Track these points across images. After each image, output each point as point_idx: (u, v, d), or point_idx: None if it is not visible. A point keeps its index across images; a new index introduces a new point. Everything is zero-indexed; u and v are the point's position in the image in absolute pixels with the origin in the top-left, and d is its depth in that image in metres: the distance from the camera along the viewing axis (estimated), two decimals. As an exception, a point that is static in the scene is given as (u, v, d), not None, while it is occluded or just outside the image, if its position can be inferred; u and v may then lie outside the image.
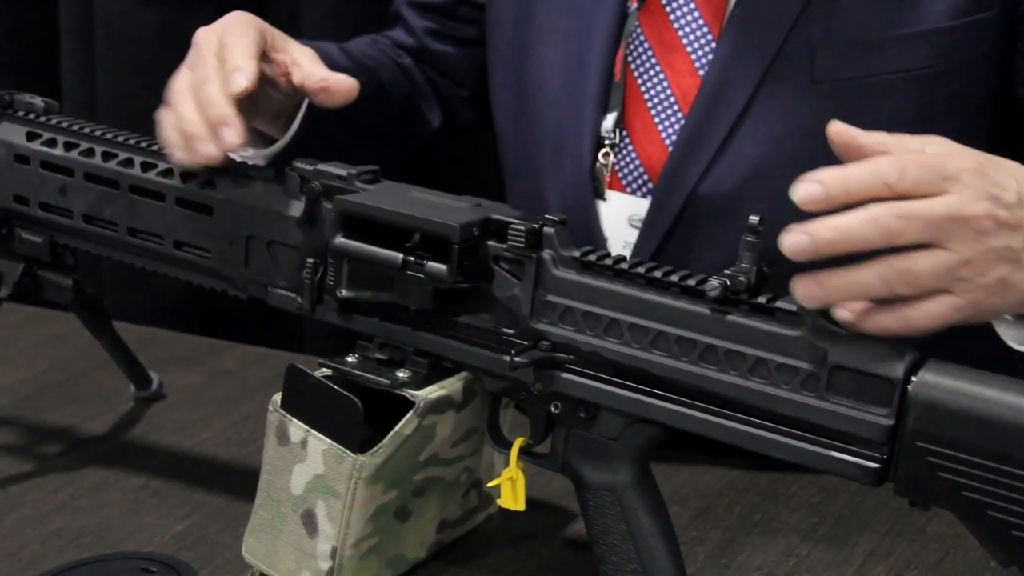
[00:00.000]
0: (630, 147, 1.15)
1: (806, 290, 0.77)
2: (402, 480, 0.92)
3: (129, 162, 1.03)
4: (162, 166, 1.01)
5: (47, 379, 1.33)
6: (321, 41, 1.32)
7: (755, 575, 1.00)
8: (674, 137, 1.13)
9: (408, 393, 0.90)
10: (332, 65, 1.19)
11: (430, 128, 1.37)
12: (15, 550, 1.01)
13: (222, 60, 0.97)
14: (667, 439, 0.86)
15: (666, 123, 1.14)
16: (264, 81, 1.02)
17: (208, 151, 0.94)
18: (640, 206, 1.15)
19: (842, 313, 0.77)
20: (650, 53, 1.15)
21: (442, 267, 0.86)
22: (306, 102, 1.13)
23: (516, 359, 0.85)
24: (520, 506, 0.91)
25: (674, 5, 1.14)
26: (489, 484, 0.96)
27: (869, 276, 0.76)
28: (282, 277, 0.97)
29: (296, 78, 1.01)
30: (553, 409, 0.88)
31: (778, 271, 0.81)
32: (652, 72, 1.14)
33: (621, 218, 1.16)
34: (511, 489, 0.91)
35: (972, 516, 0.75)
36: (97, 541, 1.02)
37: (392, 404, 0.90)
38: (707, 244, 1.12)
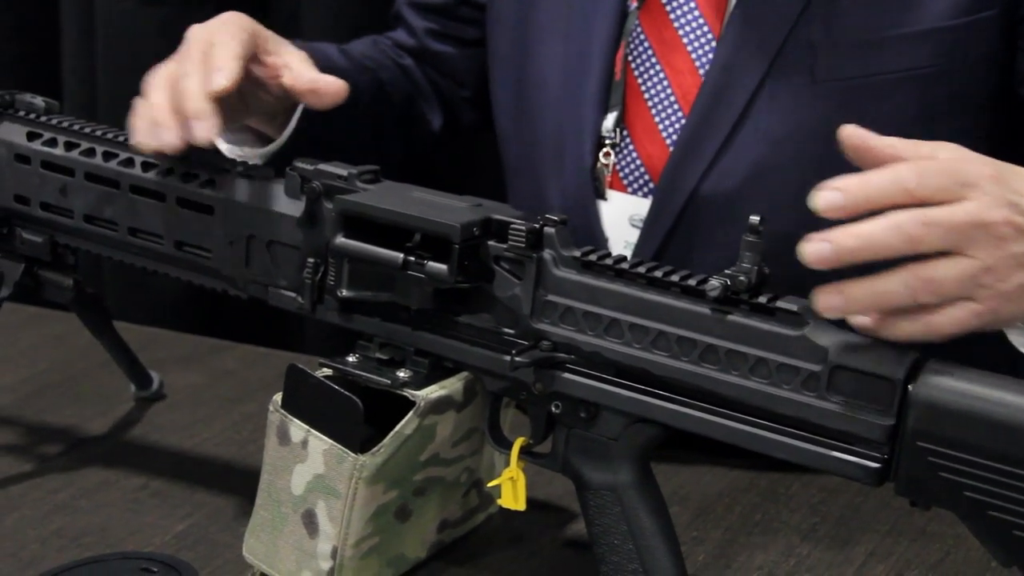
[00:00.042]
0: (631, 147, 1.15)
1: (828, 301, 0.76)
2: (403, 480, 0.92)
3: (130, 162, 1.03)
4: (163, 166, 1.01)
5: (48, 379, 1.33)
6: (320, 43, 1.32)
7: (756, 575, 1.00)
8: (675, 137, 1.13)
9: (409, 393, 0.90)
10: (330, 66, 1.20)
11: (431, 129, 1.37)
12: (15, 550, 1.01)
13: (207, 57, 0.97)
14: (668, 439, 0.86)
15: (666, 122, 1.14)
16: (254, 83, 1.03)
17: (169, 139, 0.95)
18: (641, 206, 1.15)
19: (861, 319, 0.77)
20: (650, 52, 1.15)
21: (443, 267, 0.86)
22: (301, 103, 1.13)
23: (517, 359, 0.85)
24: (521, 506, 0.91)
25: (674, 4, 1.14)
26: (490, 484, 0.96)
27: (893, 285, 0.75)
28: (283, 277, 0.97)
29: (286, 81, 1.02)
30: (554, 409, 0.88)
31: (779, 271, 0.81)
32: (652, 71, 1.14)
33: (622, 218, 1.16)
34: (512, 489, 0.91)
35: (973, 516, 0.75)
36: (98, 541, 1.02)
37: (393, 404, 0.90)
38: (708, 244, 1.12)
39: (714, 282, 0.79)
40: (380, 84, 1.31)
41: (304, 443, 0.91)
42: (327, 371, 0.93)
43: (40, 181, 1.07)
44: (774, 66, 1.09)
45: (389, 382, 0.90)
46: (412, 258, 0.88)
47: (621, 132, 1.16)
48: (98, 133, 1.05)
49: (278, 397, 0.93)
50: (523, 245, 0.86)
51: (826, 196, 0.76)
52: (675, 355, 0.82)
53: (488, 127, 1.33)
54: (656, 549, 0.85)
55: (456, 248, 0.85)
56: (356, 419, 0.89)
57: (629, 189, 1.16)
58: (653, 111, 1.14)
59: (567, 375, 0.86)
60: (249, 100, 1.07)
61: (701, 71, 1.12)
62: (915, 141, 0.80)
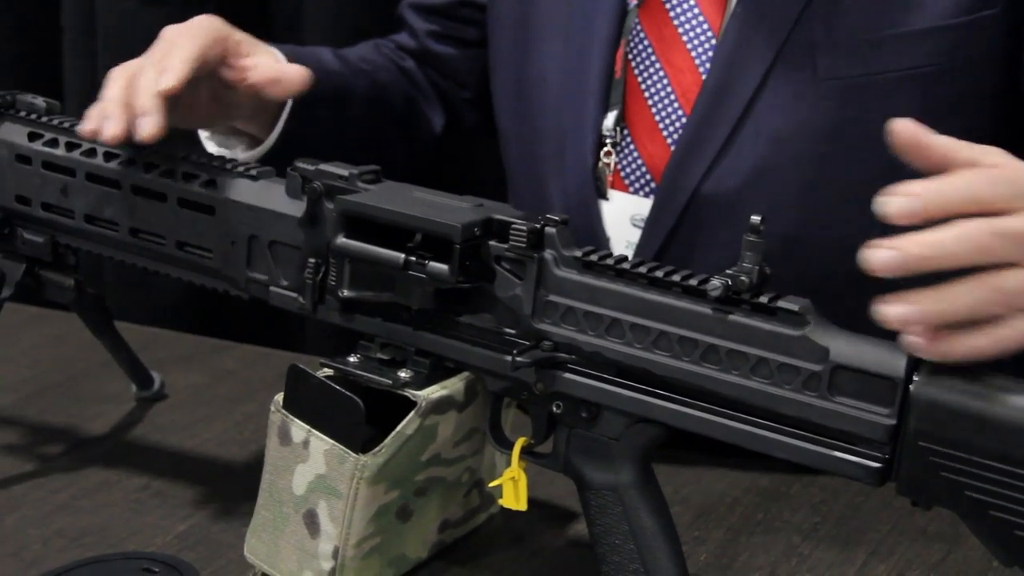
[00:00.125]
0: (632, 146, 1.15)
1: (893, 311, 0.74)
2: (404, 480, 0.92)
3: (131, 162, 1.03)
4: (164, 166, 1.02)
5: (49, 379, 1.33)
6: (315, 46, 1.33)
7: (757, 575, 1.00)
8: (676, 136, 1.13)
9: (410, 393, 0.90)
10: (322, 68, 1.22)
11: (433, 130, 1.38)
12: (17, 550, 1.01)
13: (163, 58, 1.00)
14: (669, 439, 0.86)
15: (667, 121, 1.14)
16: (224, 86, 1.06)
17: (110, 129, 0.97)
18: (643, 206, 1.15)
19: (913, 340, 0.74)
20: (650, 50, 1.14)
21: (444, 267, 0.86)
22: (289, 103, 1.14)
23: (518, 359, 0.85)
24: (522, 506, 0.91)
25: (674, 2, 1.14)
26: (491, 484, 0.96)
27: (962, 295, 0.73)
28: (284, 277, 0.97)
29: (249, 78, 1.05)
30: (555, 409, 0.88)
31: (780, 270, 0.81)
32: (652, 70, 1.14)
33: (624, 218, 1.16)
34: (513, 489, 0.91)
35: (974, 516, 0.75)
36: (99, 541, 1.02)
37: (394, 404, 0.90)
38: (710, 243, 1.12)
39: (715, 282, 0.79)
40: (378, 86, 1.32)
41: (305, 443, 0.91)
42: (328, 371, 0.93)
43: (41, 181, 1.07)
44: (775, 65, 1.09)
45: (390, 382, 0.90)
46: (413, 258, 0.88)
47: (622, 131, 1.16)
48: (99, 133, 1.05)
49: (279, 397, 0.93)
50: (524, 245, 0.86)
51: (900, 203, 0.73)
52: (676, 355, 0.82)
53: (491, 129, 1.33)
54: (657, 549, 0.85)
55: (457, 248, 0.85)
56: (357, 419, 0.89)
57: (630, 189, 1.16)
58: (653, 110, 1.14)
59: (568, 375, 0.86)
60: (225, 103, 1.08)
61: (701, 69, 1.12)
62: (967, 143, 0.78)
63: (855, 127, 1.09)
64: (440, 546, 1.00)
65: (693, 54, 1.13)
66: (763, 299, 0.79)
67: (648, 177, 1.15)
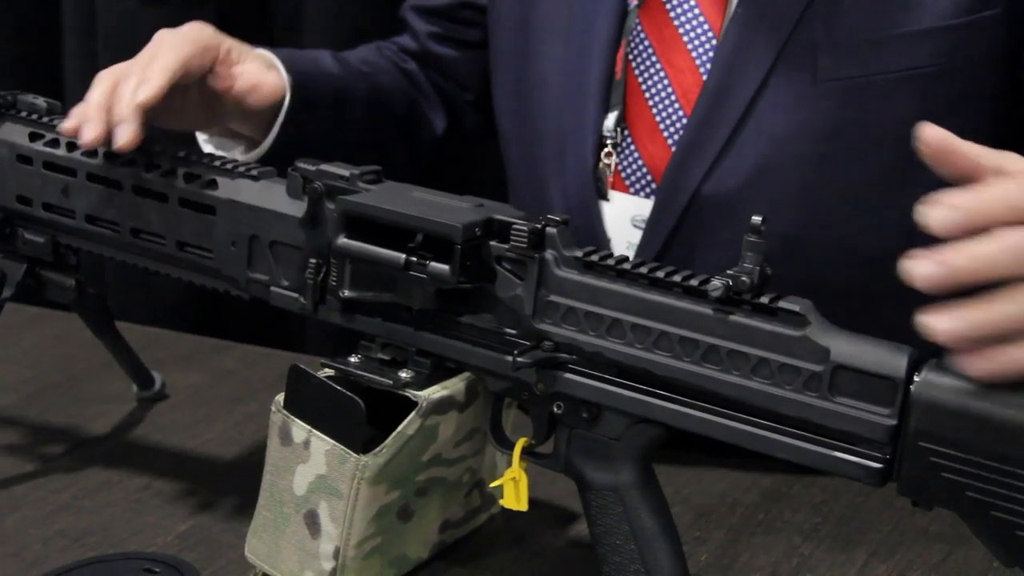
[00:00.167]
0: (632, 147, 1.15)
1: (942, 325, 0.72)
2: (405, 480, 0.92)
3: (132, 162, 1.03)
4: (165, 167, 1.02)
5: (50, 379, 1.33)
6: (315, 50, 1.33)
7: (758, 575, 1.00)
8: (676, 137, 1.13)
9: (411, 393, 0.90)
10: (321, 72, 1.24)
11: (434, 132, 1.38)
12: (18, 550, 1.01)
13: (147, 66, 1.02)
14: (670, 439, 0.86)
15: (668, 122, 1.14)
16: (210, 95, 1.08)
17: (90, 135, 1.00)
18: (643, 206, 1.15)
19: (971, 362, 0.72)
20: (651, 51, 1.14)
21: (445, 267, 0.86)
22: (285, 107, 1.15)
23: (519, 359, 0.85)
24: (523, 506, 0.91)
25: (675, 2, 1.14)
26: (492, 484, 0.96)
27: (1011, 307, 0.71)
28: (285, 277, 0.97)
29: (234, 88, 1.08)
30: (556, 409, 0.88)
31: (780, 271, 0.81)
32: (653, 70, 1.14)
33: (624, 219, 1.16)
34: (514, 489, 0.91)
35: (975, 516, 0.75)
36: (100, 541, 1.02)
37: (395, 404, 0.90)
38: (711, 244, 1.12)
39: (716, 282, 0.79)
40: (378, 88, 1.32)
41: (306, 443, 0.91)
42: (329, 371, 0.93)
43: (42, 182, 1.07)
44: (776, 65, 1.09)
45: (391, 382, 0.90)
46: (414, 258, 0.88)
47: (622, 132, 1.16)
48: (100, 133, 1.05)
49: (280, 397, 0.93)
50: (525, 245, 0.86)
51: (941, 215, 0.72)
52: (677, 355, 0.82)
53: (492, 131, 1.33)
54: (658, 549, 0.85)
55: (458, 248, 0.85)
56: (358, 419, 0.89)
57: (631, 190, 1.16)
58: (654, 110, 1.14)
59: (569, 375, 0.86)
60: (215, 108, 1.09)
61: (702, 70, 1.12)
62: (993, 151, 0.76)
63: (855, 127, 1.09)
64: (441, 546, 1.00)
65: (694, 55, 1.13)
66: (764, 299, 0.79)
67: (649, 178, 1.15)
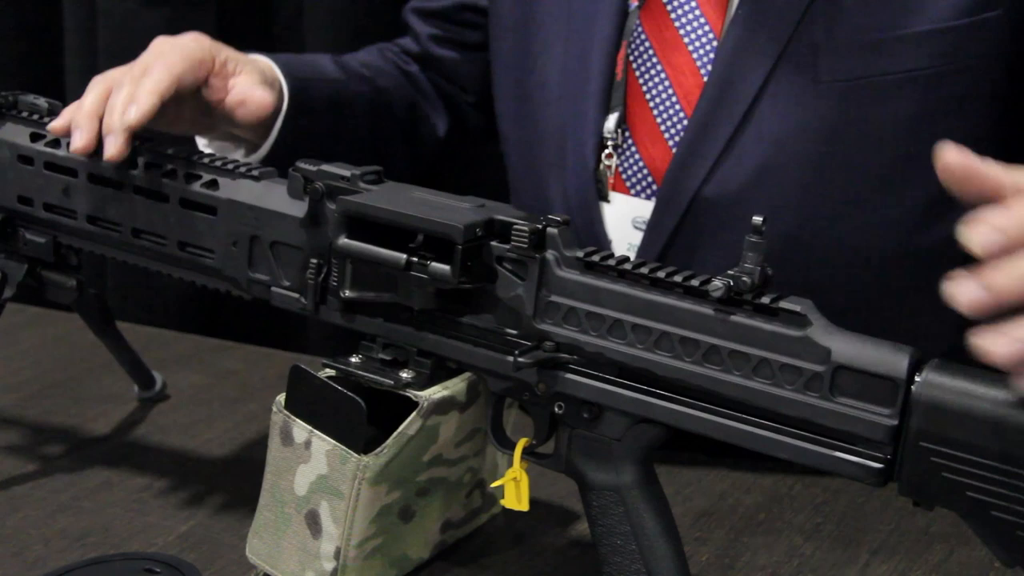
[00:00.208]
0: (633, 148, 1.15)
1: (996, 346, 0.70)
2: (406, 481, 0.92)
3: (132, 163, 1.03)
4: (166, 167, 1.02)
5: (50, 379, 1.33)
6: (315, 54, 1.34)
7: (759, 575, 1.00)
8: (677, 138, 1.13)
9: (412, 394, 0.90)
10: (321, 75, 1.24)
11: (436, 134, 1.38)
12: (19, 550, 1.01)
13: (140, 79, 1.02)
14: (670, 440, 0.86)
15: (668, 123, 1.14)
16: (203, 106, 1.09)
17: (80, 143, 1.01)
18: (644, 208, 1.15)
19: None
20: (651, 52, 1.14)
21: (445, 268, 0.86)
22: (283, 112, 1.16)
23: (520, 359, 0.85)
24: (524, 507, 0.91)
25: (675, 3, 1.14)
26: (493, 485, 0.96)
27: None
28: (286, 277, 0.97)
29: (226, 101, 1.09)
30: (557, 409, 0.88)
31: (781, 271, 0.81)
32: (653, 71, 1.14)
33: (625, 220, 1.16)
34: (515, 490, 0.91)
35: (976, 516, 0.75)
36: (101, 542, 1.02)
37: (396, 405, 0.90)
38: (712, 246, 1.12)
39: (717, 283, 0.79)
40: (379, 91, 1.32)
41: (307, 444, 0.91)
42: (330, 372, 0.93)
43: (43, 182, 1.07)
44: (777, 67, 1.09)
45: (392, 383, 0.90)
46: (415, 259, 0.88)
47: (623, 133, 1.16)
48: (101, 134, 1.05)
49: (281, 398, 0.93)
50: (526, 246, 0.86)
51: (984, 238, 0.71)
52: (678, 356, 0.82)
53: (494, 133, 1.33)
54: (659, 549, 0.85)
55: (459, 249, 0.85)
56: (359, 420, 0.89)
57: (632, 191, 1.16)
58: (655, 112, 1.14)
59: (570, 376, 0.86)
60: (210, 116, 1.09)
61: (703, 71, 1.12)
62: (1012, 169, 0.75)
63: (856, 128, 1.09)
64: (442, 546, 1.00)
65: (694, 56, 1.13)
66: (765, 300, 0.79)
67: (650, 179, 1.15)
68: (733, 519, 1.08)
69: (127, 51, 1.75)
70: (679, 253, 1.12)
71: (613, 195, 1.17)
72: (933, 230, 1.12)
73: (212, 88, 1.08)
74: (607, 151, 1.16)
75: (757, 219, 0.78)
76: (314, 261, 0.94)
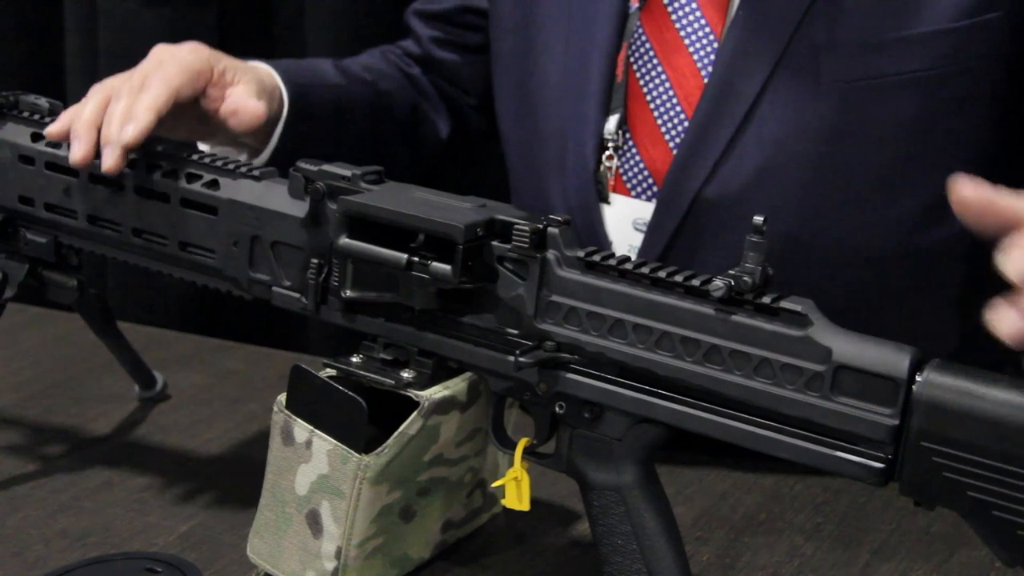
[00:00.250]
0: (634, 150, 1.15)
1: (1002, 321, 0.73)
2: (407, 480, 0.92)
3: (133, 163, 1.03)
4: (167, 167, 1.02)
5: (51, 379, 1.33)
6: (316, 59, 1.34)
7: (760, 575, 1.00)
8: (678, 140, 1.13)
9: (413, 393, 0.90)
10: (322, 80, 1.25)
11: (439, 136, 1.38)
12: (19, 550, 1.01)
13: (140, 90, 1.03)
14: (671, 439, 0.86)
15: (669, 125, 1.14)
16: (201, 117, 1.09)
17: (78, 154, 1.01)
18: (644, 209, 1.15)
19: None
20: (652, 53, 1.14)
21: (446, 267, 0.86)
22: (283, 118, 1.16)
23: (521, 359, 0.85)
24: (525, 506, 0.91)
25: (675, 5, 1.14)
26: (494, 484, 0.96)
27: None
28: (286, 277, 0.97)
29: (219, 111, 1.09)
30: (558, 409, 0.88)
31: (781, 272, 0.81)
32: (654, 73, 1.14)
33: (625, 222, 1.16)
34: (515, 489, 0.91)
35: (977, 516, 0.75)
36: (101, 541, 1.02)
37: (397, 404, 0.90)
38: (712, 247, 1.11)
39: (718, 282, 0.79)
40: (380, 94, 1.33)
41: (308, 443, 0.91)
42: (331, 371, 0.93)
43: (44, 182, 1.07)
44: (778, 68, 1.09)
45: (393, 382, 0.90)
46: (416, 259, 0.88)
47: (623, 135, 1.16)
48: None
49: (282, 397, 0.93)
50: (527, 245, 0.86)
51: (1021, 264, 0.73)
52: (679, 355, 0.82)
53: (496, 134, 1.33)
54: (660, 549, 0.85)
55: (460, 249, 0.85)
56: (360, 419, 0.89)
57: (632, 193, 1.16)
58: (655, 113, 1.14)
59: (571, 375, 0.86)
60: (210, 124, 1.10)
61: (703, 73, 1.12)
62: (1015, 194, 0.77)
63: (857, 129, 1.09)
64: (443, 546, 1.01)
65: (695, 57, 1.13)
66: (766, 299, 0.79)
67: (650, 181, 1.15)
68: (734, 519, 1.08)
69: (128, 51, 1.75)
70: (680, 254, 1.12)
71: (613, 197, 1.17)
72: (933, 231, 1.12)
73: (209, 98, 1.09)
74: (607, 152, 1.16)
75: (758, 219, 0.78)
76: (315, 261, 0.94)
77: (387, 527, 0.93)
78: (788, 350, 0.78)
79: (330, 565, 0.91)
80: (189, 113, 1.08)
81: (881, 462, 0.76)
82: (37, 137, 1.08)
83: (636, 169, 1.15)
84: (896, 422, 0.75)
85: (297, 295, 0.96)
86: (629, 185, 1.16)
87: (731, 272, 0.79)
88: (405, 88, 1.36)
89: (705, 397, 0.81)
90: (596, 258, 0.85)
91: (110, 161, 1.00)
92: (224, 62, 1.10)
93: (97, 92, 1.04)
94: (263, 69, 1.18)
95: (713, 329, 0.80)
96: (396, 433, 0.89)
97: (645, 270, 0.83)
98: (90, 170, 1.05)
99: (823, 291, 0.86)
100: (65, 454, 1.17)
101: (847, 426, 0.77)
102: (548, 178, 1.21)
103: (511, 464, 0.91)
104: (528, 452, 0.90)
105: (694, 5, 1.13)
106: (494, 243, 0.87)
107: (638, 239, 1.15)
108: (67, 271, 1.13)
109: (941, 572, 1.00)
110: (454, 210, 0.88)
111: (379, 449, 0.89)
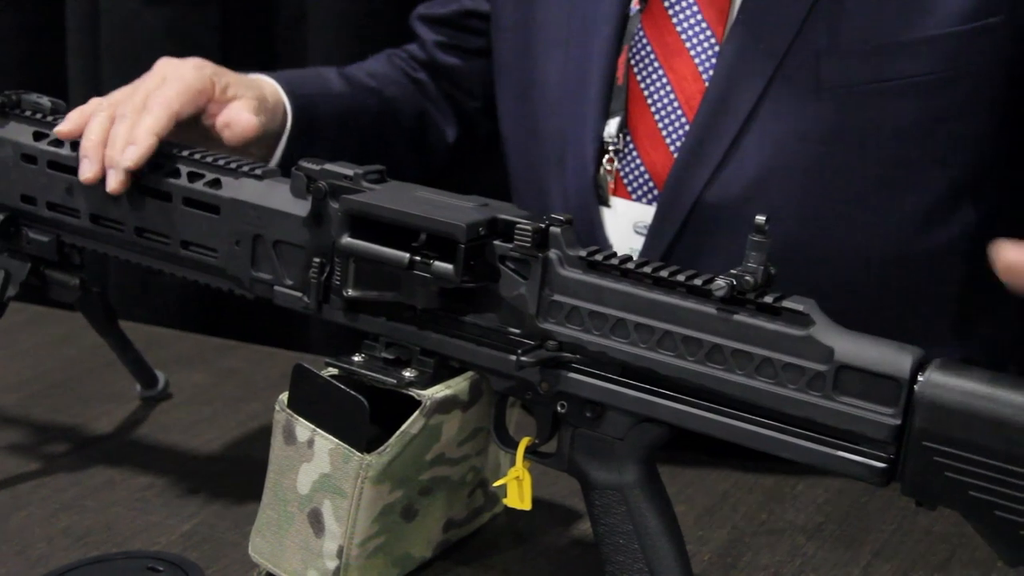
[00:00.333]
0: (634, 153, 1.15)
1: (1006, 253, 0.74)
2: (408, 479, 0.92)
3: (135, 162, 1.03)
4: (168, 166, 1.02)
5: (53, 378, 1.34)
6: (322, 68, 1.34)
7: (761, 574, 1.00)
8: (679, 143, 1.13)
9: (414, 393, 0.90)
10: (326, 90, 1.26)
11: (446, 141, 1.38)
12: (22, 549, 1.01)
13: (142, 110, 1.04)
14: (673, 439, 0.86)
15: (670, 128, 1.14)
16: (202, 133, 1.10)
17: (88, 173, 1.02)
18: (645, 213, 1.14)
19: None
20: (652, 56, 1.14)
21: (448, 267, 0.86)
22: (287, 130, 1.16)
23: (522, 359, 0.85)
24: (526, 505, 0.91)
25: (676, 7, 1.14)
26: (495, 483, 0.96)
27: None
28: (288, 276, 0.97)
29: (215, 125, 1.09)
30: (559, 408, 0.88)
31: (782, 273, 0.81)
32: (655, 76, 1.14)
33: (626, 225, 1.16)
34: (517, 488, 0.91)
35: (979, 516, 0.75)
36: (104, 540, 1.03)
37: (398, 404, 0.90)
38: (713, 251, 1.11)
39: (720, 282, 0.79)
40: (386, 101, 1.33)
41: (310, 442, 0.91)
42: (333, 370, 0.93)
43: (46, 181, 1.07)
44: (778, 72, 1.09)
45: (395, 381, 0.91)
46: (418, 258, 0.88)
47: (624, 138, 1.16)
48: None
49: (284, 396, 0.93)
50: (529, 245, 0.86)
51: None
52: (681, 355, 0.82)
53: (499, 137, 1.33)
54: (661, 548, 0.85)
55: (462, 248, 0.86)
56: (362, 419, 0.89)
57: (633, 196, 1.16)
58: (656, 116, 1.14)
59: (573, 375, 0.86)
60: (213, 137, 1.10)
61: (704, 76, 1.12)
62: None
63: (857, 133, 1.09)
64: (444, 545, 1.01)
65: (696, 60, 1.13)
66: (768, 299, 0.79)
67: (651, 184, 1.15)
68: (735, 518, 1.08)
69: (128, 51, 1.76)
70: (680, 257, 1.12)
71: (614, 200, 1.17)
72: (934, 233, 1.12)
73: (209, 114, 1.09)
74: (608, 155, 1.16)
75: (760, 218, 0.78)
76: (317, 260, 0.94)
77: (389, 526, 0.93)
78: (790, 350, 0.78)
79: (332, 564, 0.91)
80: (190, 128, 1.09)
81: (883, 462, 0.76)
82: (39, 136, 1.08)
83: (636, 172, 1.15)
84: (898, 422, 0.75)
85: (299, 294, 0.96)
86: (630, 188, 1.16)
87: (733, 272, 0.79)
88: (412, 94, 1.36)
89: (707, 397, 0.81)
90: (598, 257, 0.85)
91: (113, 183, 1.01)
92: (227, 78, 1.10)
93: (102, 110, 1.05)
94: (267, 84, 1.18)
95: (715, 329, 0.80)
96: (398, 432, 0.89)
97: (647, 269, 0.83)
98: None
99: (823, 292, 0.86)
100: (67, 453, 1.17)
101: (849, 426, 0.77)
102: (548, 180, 1.21)
103: (513, 463, 0.91)
104: (530, 451, 0.90)
105: (695, 8, 1.13)
106: (496, 242, 0.88)
107: (639, 242, 1.15)
108: (69, 270, 1.13)
109: (942, 572, 1.00)
110: (456, 209, 0.88)
111: (381, 448, 0.89)
